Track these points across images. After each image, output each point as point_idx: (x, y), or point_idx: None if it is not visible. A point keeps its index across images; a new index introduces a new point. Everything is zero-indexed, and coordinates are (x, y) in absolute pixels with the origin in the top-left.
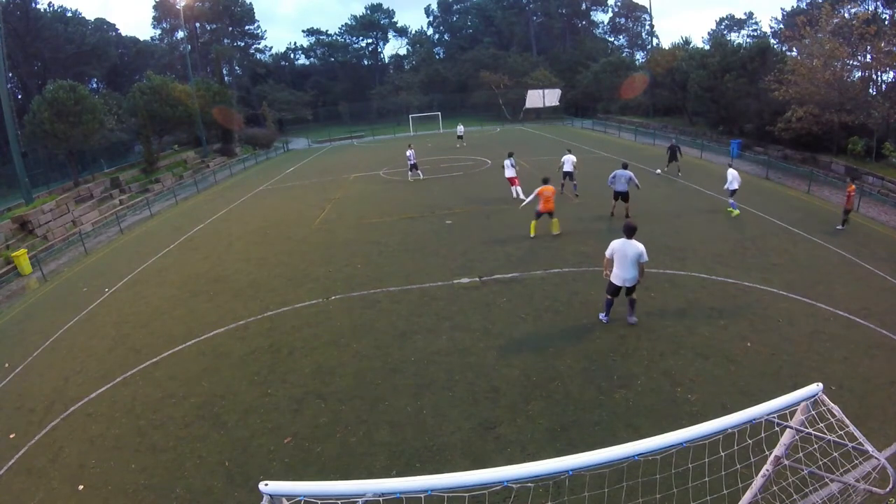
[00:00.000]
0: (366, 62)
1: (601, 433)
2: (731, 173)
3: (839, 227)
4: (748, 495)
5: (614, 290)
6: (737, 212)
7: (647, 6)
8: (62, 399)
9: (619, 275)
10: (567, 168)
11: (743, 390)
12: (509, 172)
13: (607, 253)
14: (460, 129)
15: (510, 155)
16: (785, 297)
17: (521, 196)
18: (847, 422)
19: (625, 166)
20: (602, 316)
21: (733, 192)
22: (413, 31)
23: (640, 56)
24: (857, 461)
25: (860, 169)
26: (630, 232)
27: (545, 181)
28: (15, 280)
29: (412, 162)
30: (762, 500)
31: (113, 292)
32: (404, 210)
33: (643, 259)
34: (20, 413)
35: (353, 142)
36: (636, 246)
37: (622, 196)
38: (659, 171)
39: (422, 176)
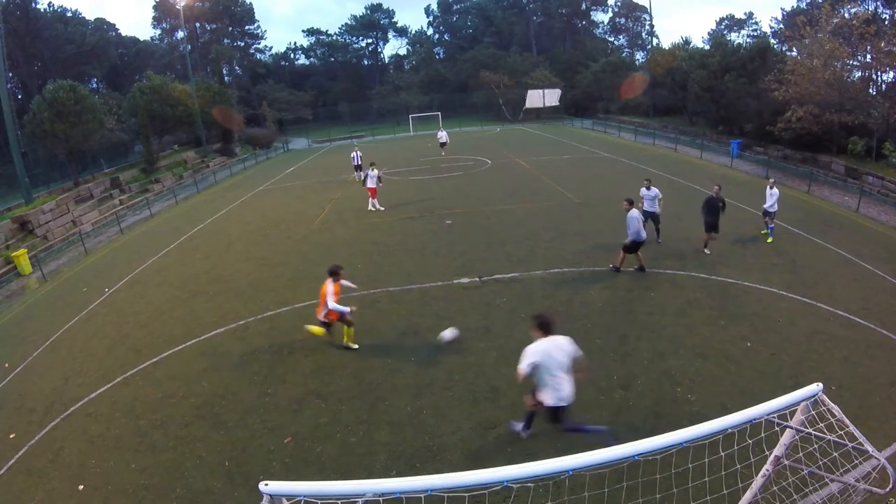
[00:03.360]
0: (366, 62)
1: None
2: (776, 194)
3: None
4: (748, 495)
5: (552, 415)
6: (770, 238)
7: (647, 6)
8: (62, 399)
9: (555, 394)
10: (651, 207)
11: (743, 390)
12: (370, 183)
13: (524, 367)
14: (442, 135)
15: (373, 165)
16: (785, 297)
17: (378, 207)
18: (847, 422)
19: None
20: (519, 427)
21: (774, 213)
22: (413, 31)
23: (640, 56)
24: (857, 461)
25: (860, 169)
26: (548, 327)
27: (332, 274)
28: (15, 280)
29: (357, 163)
30: (762, 500)
31: (113, 292)
32: (404, 210)
33: (578, 354)
34: (20, 413)
35: (353, 142)
36: (565, 343)
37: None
38: (707, 250)
39: (358, 178)
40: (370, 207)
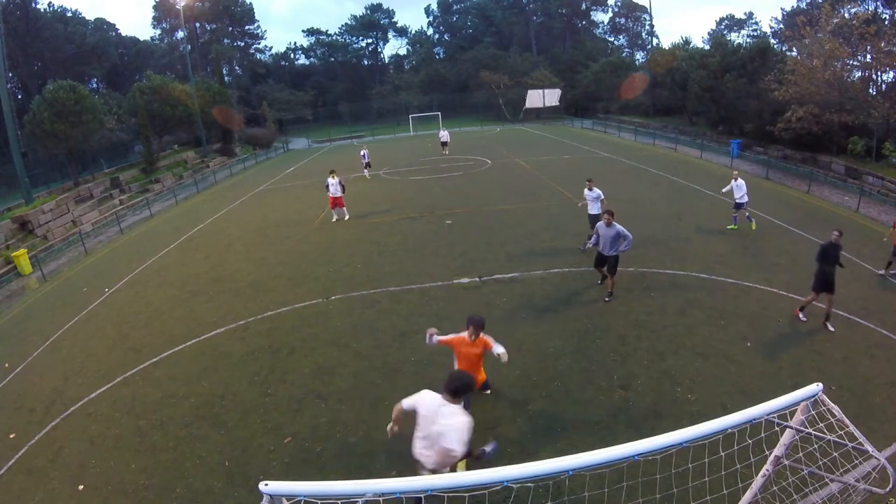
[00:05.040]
0: (366, 62)
1: (601, 433)
2: (742, 185)
3: (881, 272)
4: (748, 495)
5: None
6: (734, 226)
7: (647, 6)
8: (62, 399)
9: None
10: (594, 209)
11: (743, 390)
12: (334, 192)
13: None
14: (444, 134)
15: (332, 172)
16: (785, 297)
17: (335, 218)
18: (847, 422)
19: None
20: None
21: (743, 204)
22: (413, 31)
23: (640, 56)
24: (857, 461)
25: (860, 169)
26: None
27: (474, 326)
28: (15, 280)
29: (366, 161)
30: (762, 500)
31: (113, 292)
32: (404, 210)
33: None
34: (20, 413)
35: (353, 142)
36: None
37: (607, 261)
38: (830, 325)
39: (368, 175)
40: (340, 217)
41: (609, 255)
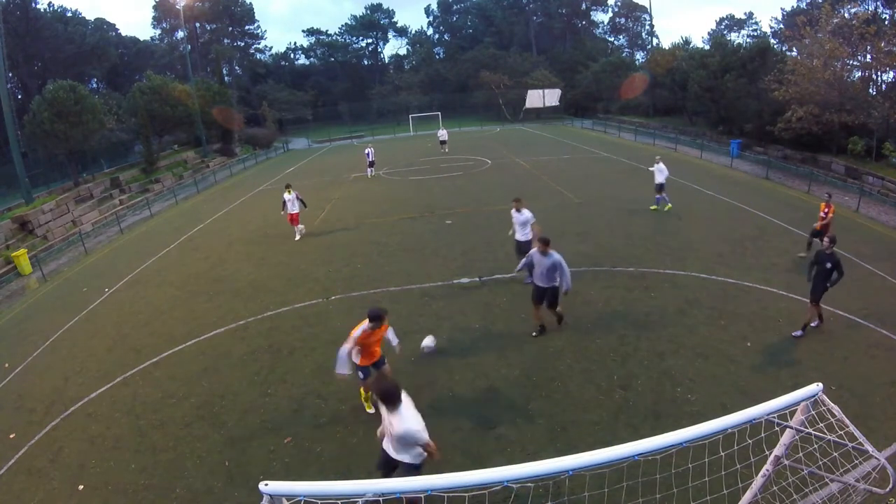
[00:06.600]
0: (366, 62)
1: (601, 433)
2: (663, 170)
3: (801, 254)
4: (748, 495)
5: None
6: (668, 206)
7: (647, 6)
8: (62, 399)
9: None
10: (522, 235)
11: (743, 390)
12: (291, 208)
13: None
14: (442, 133)
15: (288, 187)
16: (785, 297)
17: (301, 232)
18: (847, 422)
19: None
20: None
21: (661, 186)
22: (413, 31)
23: (640, 56)
24: (857, 461)
25: (860, 169)
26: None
27: (374, 319)
28: (15, 280)
29: (371, 160)
30: (762, 500)
31: (113, 292)
32: (404, 210)
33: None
34: (20, 413)
35: (353, 142)
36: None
37: (545, 294)
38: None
39: (370, 175)
40: (298, 237)
41: (547, 288)
